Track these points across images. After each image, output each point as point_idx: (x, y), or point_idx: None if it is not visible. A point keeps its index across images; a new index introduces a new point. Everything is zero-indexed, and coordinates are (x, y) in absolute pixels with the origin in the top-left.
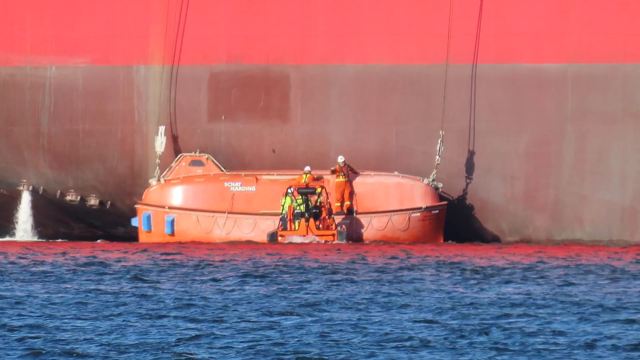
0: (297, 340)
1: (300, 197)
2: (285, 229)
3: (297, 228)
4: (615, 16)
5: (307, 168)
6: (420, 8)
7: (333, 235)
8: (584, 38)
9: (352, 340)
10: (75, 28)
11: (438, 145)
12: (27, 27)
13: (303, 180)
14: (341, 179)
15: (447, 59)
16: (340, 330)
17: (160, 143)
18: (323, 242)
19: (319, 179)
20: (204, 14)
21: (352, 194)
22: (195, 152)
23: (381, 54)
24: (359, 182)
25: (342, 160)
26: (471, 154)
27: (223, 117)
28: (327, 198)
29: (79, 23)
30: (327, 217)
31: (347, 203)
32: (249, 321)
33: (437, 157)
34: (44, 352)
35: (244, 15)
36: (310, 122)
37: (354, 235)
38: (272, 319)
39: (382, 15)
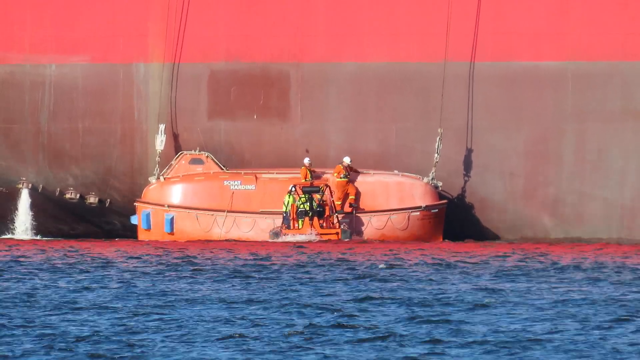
0: None
1: (304, 195)
2: (288, 227)
3: (300, 227)
4: (614, 14)
5: (307, 160)
6: (418, 6)
7: (337, 233)
8: (584, 36)
9: None
10: (75, 26)
11: (437, 143)
12: (26, 25)
13: (302, 179)
14: (342, 178)
15: (446, 56)
16: None
17: (160, 141)
18: (326, 240)
19: (317, 177)
20: (203, 12)
21: (357, 193)
22: (195, 151)
23: (380, 52)
24: (358, 181)
25: (349, 161)
26: (469, 151)
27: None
28: (331, 196)
29: (78, 21)
30: (330, 215)
31: (349, 200)
32: None
33: (436, 155)
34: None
35: (243, 13)
36: (310, 121)
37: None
38: None
39: (381, 13)
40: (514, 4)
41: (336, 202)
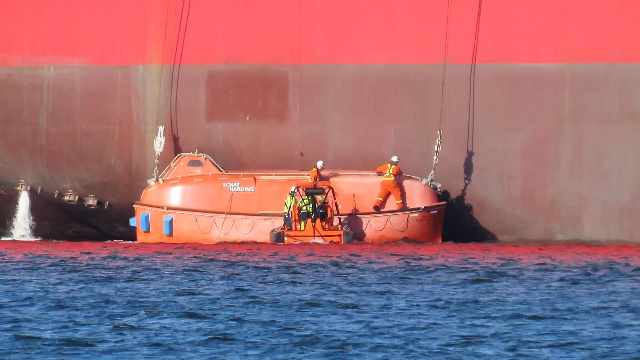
0: None
1: (307, 197)
2: (290, 229)
3: (303, 228)
4: (612, 16)
5: (320, 163)
6: (418, 7)
7: (339, 235)
8: (582, 38)
9: None
10: (73, 28)
11: (436, 145)
12: (24, 27)
13: (312, 180)
14: (385, 177)
15: (445, 58)
16: None
17: (159, 143)
18: (328, 242)
19: (326, 179)
20: (202, 13)
21: (402, 193)
22: (193, 152)
23: (379, 54)
24: (357, 183)
25: (397, 159)
26: (470, 154)
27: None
28: (334, 198)
29: (77, 23)
30: (332, 217)
31: (398, 202)
32: None
33: (435, 157)
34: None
35: (242, 15)
36: (308, 122)
37: None
38: None
39: (380, 14)
40: (512, 7)
41: (377, 198)
